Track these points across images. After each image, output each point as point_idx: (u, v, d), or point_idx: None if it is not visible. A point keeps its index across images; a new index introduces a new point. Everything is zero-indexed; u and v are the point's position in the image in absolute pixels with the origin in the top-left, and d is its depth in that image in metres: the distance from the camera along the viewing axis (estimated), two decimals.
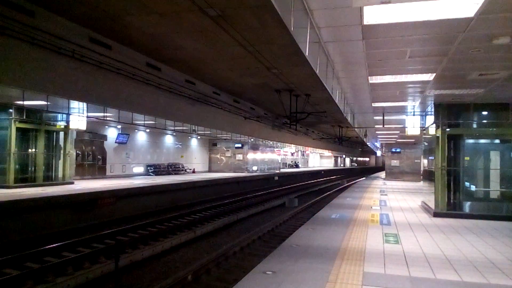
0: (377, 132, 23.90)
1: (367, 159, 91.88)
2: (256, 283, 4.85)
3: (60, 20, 7.59)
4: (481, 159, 11.49)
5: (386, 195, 17.66)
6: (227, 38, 7.98)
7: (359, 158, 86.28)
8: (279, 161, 43.09)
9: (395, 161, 31.91)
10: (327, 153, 62.03)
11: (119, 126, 21.10)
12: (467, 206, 11.15)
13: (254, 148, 33.64)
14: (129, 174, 22.83)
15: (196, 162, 30.68)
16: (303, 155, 59.83)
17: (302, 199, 22.48)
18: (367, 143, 39.29)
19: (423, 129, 15.01)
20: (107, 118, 16.95)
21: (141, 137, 24.28)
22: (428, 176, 13.23)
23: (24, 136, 14.83)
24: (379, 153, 41.12)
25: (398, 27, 5.68)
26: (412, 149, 30.25)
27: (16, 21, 6.68)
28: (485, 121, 11.59)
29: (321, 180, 43.09)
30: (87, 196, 12.71)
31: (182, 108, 11.87)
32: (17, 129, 14.13)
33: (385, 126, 16.88)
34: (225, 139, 29.94)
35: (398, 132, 21.66)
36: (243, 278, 5.12)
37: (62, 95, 8.59)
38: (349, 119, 15.30)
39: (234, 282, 7.14)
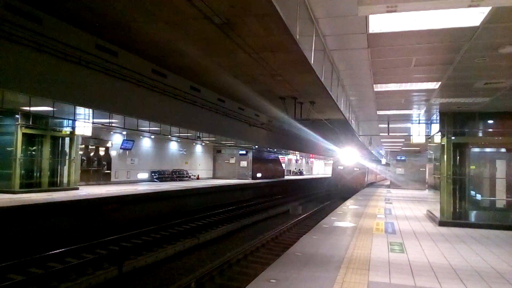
0: (382, 140, 23.82)
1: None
2: None
3: (67, 27, 7.67)
4: (487, 168, 11.42)
5: (391, 203, 17.55)
6: (232, 46, 8.02)
7: None
8: (284, 168, 42.99)
9: (400, 169, 31.74)
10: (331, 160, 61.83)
11: (124, 132, 21.19)
12: (472, 215, 11.06)
13: (259, 155, 33.58)
14: (133, 180, 22.88)
15: (201, 169, 30.70)
16: (307, 162, 59.71)
17: (306, 206, 22.40)
18: (372, 151, 39.09)
19: (429, 137, 14.95)
20: (113, 125, 17.01)
21: (146, 143, 24.35)
22: (434, 184, 13.15)
23: (30, 142, 14.91)
24: (383, 161, 40.71)
25: (403, 35, 5.69)
26: (417, 157, 30.08)
27: (24, 28, 6.76)
28: (491, 129, 11.53)
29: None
30: (92, 202, 12.74)
31: (187, 114, 11.91)
32: (23, 134, 14.23)
33: (390, 134, 16.82)
34: (229, 146, 29.92)
35: (403, 140, 21.56)
36: (246, 286, 5.10)
37: (69, 101, 8.66)
38: (353, 126, 15.26)
39: None
